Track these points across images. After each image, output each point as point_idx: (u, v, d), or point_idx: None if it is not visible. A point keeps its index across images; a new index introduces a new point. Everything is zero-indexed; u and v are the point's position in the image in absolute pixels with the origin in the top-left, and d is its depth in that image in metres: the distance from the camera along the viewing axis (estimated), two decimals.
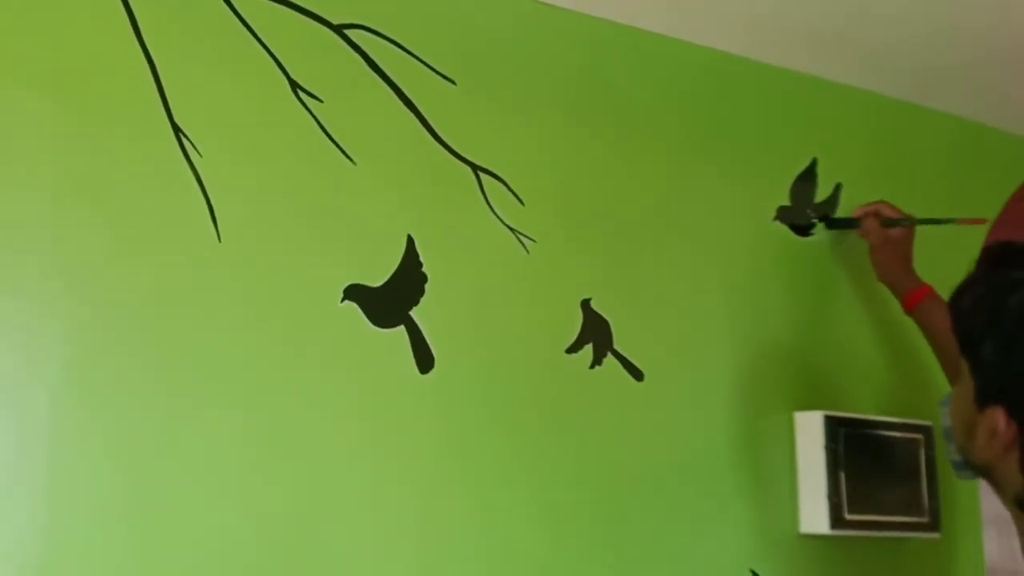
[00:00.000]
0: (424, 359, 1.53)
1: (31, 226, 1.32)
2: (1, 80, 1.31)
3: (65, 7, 1.35)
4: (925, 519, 1.87)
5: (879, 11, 1.75)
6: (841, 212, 2.01)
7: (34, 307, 1.31)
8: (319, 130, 1.50)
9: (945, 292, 1.35)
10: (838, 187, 2.00)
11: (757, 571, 1.76)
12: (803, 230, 1.95)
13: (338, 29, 1.53)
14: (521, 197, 1.66)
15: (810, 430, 1.82)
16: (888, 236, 1.86)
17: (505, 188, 1.65)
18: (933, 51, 1.90)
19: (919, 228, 1.89)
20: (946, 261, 1.73)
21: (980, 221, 1.92)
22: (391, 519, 1.49)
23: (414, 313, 1.53)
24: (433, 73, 1.61)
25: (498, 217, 1.64)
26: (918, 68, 1.97)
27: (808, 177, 1.97)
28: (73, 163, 1.34)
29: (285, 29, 1.49)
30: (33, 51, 1.34)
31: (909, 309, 1.82)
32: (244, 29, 1.46)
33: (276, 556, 1.40)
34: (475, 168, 1.62)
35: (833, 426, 1.81)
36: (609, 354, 1.70)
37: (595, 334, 1.70)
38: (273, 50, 1.47)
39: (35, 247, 1.32)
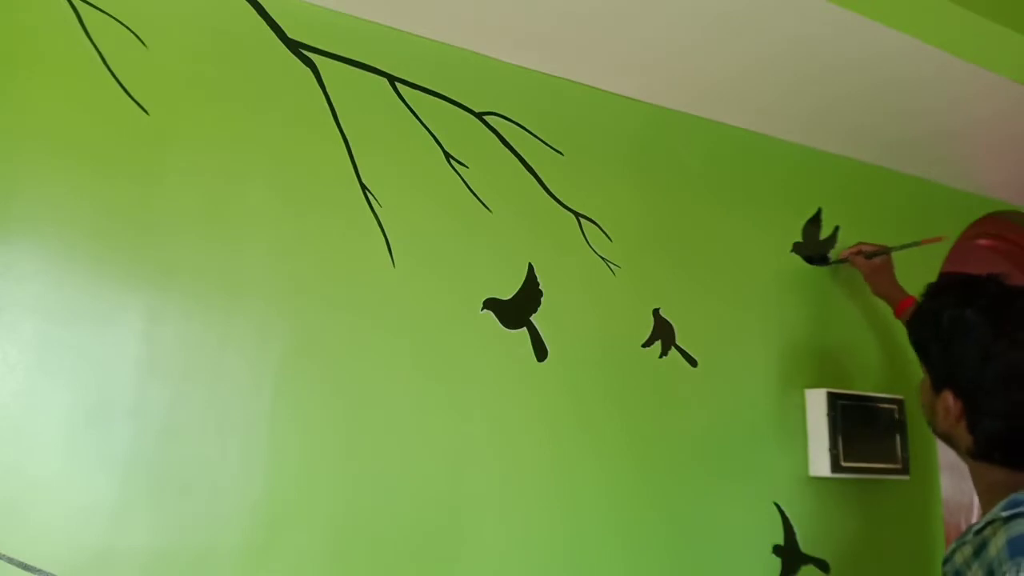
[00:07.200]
0: (541, 352, 1.66)
1: (260, 251, 1.43)
2: (237, 155, 1.44)
3: (281, 104, 1.49)
4: (899, 466, 2.04)
5: (860, 99, 1.88)
6: (838, 248, 2.13)
7: (263, 309, 1.42)
8: (465, 187, 1.63)
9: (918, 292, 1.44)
10: (836, 228, 2.15)
11: (779, 503, 1.91)
12: (812, 260, 2.09)
13: (479, 115, 1.68)
14: (610, 235, 1.78)
15: (817, 402, 1.97)
16: (873, 264, 1.98)
17: (599, 229, 1.77)
18: (900, 128, 2.02)
19: (896, 253, 2.00)
20: (916, 275, 1.94)
21: (939, 239, 2.04)
22: (521, 474, 1.58)
23: (534, 319, 1.66)
24: (546, 147, 1.74)
25: (593, 250, 1.76)
26: (891, 141, 2.10)
27: (815, 221, 2.12)
28: (290, 213, 1.46)
29: (441, 114, 1.63)
30: (261, 135, 1.47)
31: (899, 315, 1.92)
32: (411, 114, 1.61)
33: (435, 502, 1.51)
34: (577, 215, 1.75)
35: (834, 399, 1.97)
36: (673, 348, 1.82)
37: (663, 334, 1.81)
38: (432, 129, 1.62)
39: (264, 267, 1.43)
